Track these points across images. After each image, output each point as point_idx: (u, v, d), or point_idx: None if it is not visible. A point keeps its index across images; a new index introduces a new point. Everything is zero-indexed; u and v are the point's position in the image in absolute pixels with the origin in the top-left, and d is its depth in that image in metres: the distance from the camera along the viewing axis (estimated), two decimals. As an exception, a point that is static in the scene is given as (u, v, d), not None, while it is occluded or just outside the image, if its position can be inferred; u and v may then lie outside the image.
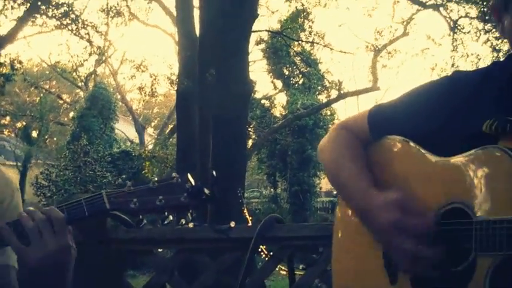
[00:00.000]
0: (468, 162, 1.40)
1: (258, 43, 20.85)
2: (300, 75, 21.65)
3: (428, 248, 1.39)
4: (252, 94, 19.13)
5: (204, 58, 9.48)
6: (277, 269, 3.31)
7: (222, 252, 2.75)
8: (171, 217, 1.42)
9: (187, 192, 1.39)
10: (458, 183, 1.42)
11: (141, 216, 1.43)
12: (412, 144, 1.57)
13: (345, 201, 1.69)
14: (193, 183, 1.40)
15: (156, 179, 1.44)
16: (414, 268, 1.44)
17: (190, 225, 2.43)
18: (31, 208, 1.41)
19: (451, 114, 1.53)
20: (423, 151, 1.54)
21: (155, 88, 17.39)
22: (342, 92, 20.08)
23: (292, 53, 20.46)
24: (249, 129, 19.39)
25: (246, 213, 8.53)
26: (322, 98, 21.96)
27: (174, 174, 1.42)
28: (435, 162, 1.50)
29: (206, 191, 1.41)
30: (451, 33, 17.61)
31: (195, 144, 10.54)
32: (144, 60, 22.15)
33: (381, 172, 1.63)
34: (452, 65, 17.67)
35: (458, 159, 1.43)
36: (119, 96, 28.01)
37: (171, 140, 22.72)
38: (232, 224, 2.67)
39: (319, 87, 22.05)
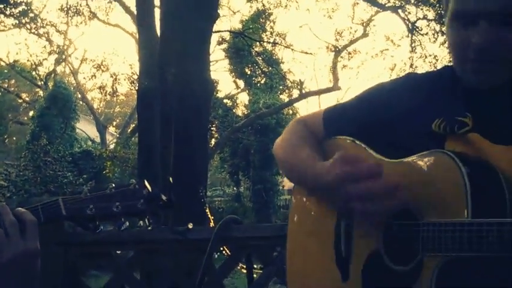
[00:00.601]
0: (415, 165, 1.42)
1: (219, 43, 20.88)
2: (262, 75, 21.72)
3: (377, 201, 1.37)
4: (214, 93, 19.13)
5: (164, 58, 9.42)
6: (238, 267, 3.36)
7: (180, 254, 2.78)
8: (127, 223, 1.44)
9: (144, 198, 1.41)
10: (406, 185, 1.42)
11: (97, 222, 1.43)
12: (362, 145, 1.59)
13: (298, 184, 1.69)
14: (150, 189, 1.42)
15: (113, 185, 1.45)
16: (359, 215, 1.43)
17: (149, 228, 2.45)
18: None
19: (402, 114, 1.55)
20: (371, 152, 1.56)
21: (116, 88, 17.24)
22: (303, 91, 20.24)
23: (254, 53, 20.52)
24: (212, 128, 19.39)
25: (208, 213, 8.54)
26: (284, 97, 22.08)
27: (131, 181, 1.44)
28: (385, 163, 1.49)
29: (163, 197, 1.43)
30: (410, 35, 17.91)
31: (156, 143, 10.49)
32: (104, 60, 21.91)
33: None
34: (411, 66, 17.97)
35: (406, 161, 1.45)
36: (79, 96, 27.66)
37: (133, 139, 22.55)
38: (190, 226, 2.69)
39: (281, 87, 22.15)
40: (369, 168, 1.40)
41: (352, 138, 1.63)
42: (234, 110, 21.97)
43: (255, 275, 2.91)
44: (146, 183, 1.43)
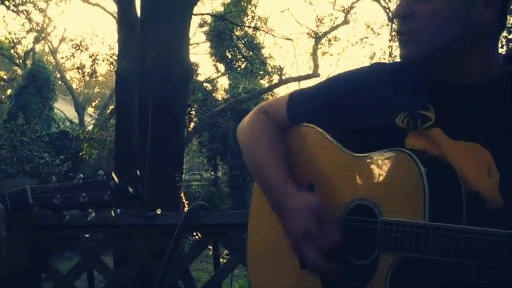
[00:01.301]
0: (377, 162, 1.45)
1: (201, 25, 20.74)
2: (243, 60, 21.64)
3: (333, 262, 1.45)
4: (194, 77, 19.05)
5: (144, 40, 9.36)
6: (210, 252, 3.41)
7: (149, 239, 2.82)
8: (93, 214, 1.49)
9: (111, 190, 1.46)
10: (367, 182, 1.47)
11: (64, 212, 1.48)
12: (325, 134, 1.61)
13: (262, 190, 1.69)
14: (117, 181, 1.47)
15: (81, 175, 1.50)
16: (319, 275, 1.50)
17: (113, 212, 2.47)
18: None
19: (367, 105, 1.56)
20: (335, 143, 1.57)
21: (94, 69, 17.05)
22: (283, 77, 20.21)
23: (234, 37, 20.44)
24: (191, 112, 19.32)
25: (183, 197, 8.56)
26: (264, 82, 22.01)
27: (99, 172, 1.49)
28: (346, 156, 1.53)
29: (130, 189, 1.48)
30: (390, 24, 17.98)
31: (134, 126, 10.44)
32: (83, 40, 21.61)
33: (296, 160, 1.66)
34: (390, 54, 18.04)
35: (367, 157, 1.47)
36: (58, 75, 27.35)
37: (111, 121, 22.37)
38: (159, 211, 2.74)
39: (261, 72, 22.09)
40: (328, 244, 1.45)
41: (315, 126, 1.64)
42: (213, 94, 21.88)
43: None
44: (114, 175, 1.48)
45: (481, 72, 1.44)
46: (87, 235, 2.95)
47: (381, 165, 1.45)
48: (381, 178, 1.44)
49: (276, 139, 1.70)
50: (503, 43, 14.12)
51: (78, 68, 17.96)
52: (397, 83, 1.53)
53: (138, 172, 1.64)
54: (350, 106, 1.59)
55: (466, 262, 1.25)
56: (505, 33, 14.24)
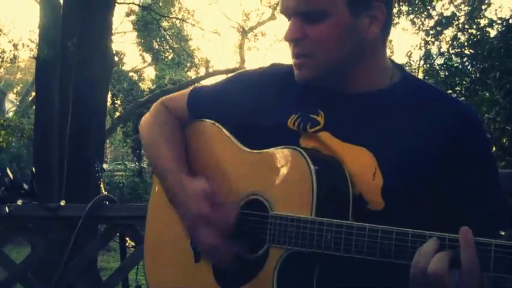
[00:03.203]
0: (271, 158, 1.47)
1: (128, 15, 20.44)
2: (170, 51, 21.49)
3: (228, 243, 1.47)
4: (120, 66, 18.78)
5: (66, 27, 9.17)
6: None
7: (51, 231, 2.76)
8: None
9: (6, 186, 1.43)
10: (260, 177, 1.50)
11: None
12: (223, 130, 1.63)
13: (159, 180, 1.71)
14: (12, 178, 1.45)
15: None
16: (213, 259, 1.53)
17: (19, 202, 2.41)
18: None
19: (263, 106, 1.59)
20: (232, 139, 1.60)
21: (14, 55, 16.46)
22: (210, 70, 20.23)
23: (162, 28, 20.25)
24: (116, 101, 19.03)
25: (102, 187, 8.43)
26: (191, 74, 21.99)
27: None
28: (242, 152, 1.56)
29: (25, 186, 1.46)
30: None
31: (54, 113, 10.20)
32: (2, 26, 20.79)
33: (194, 154, 1.68)
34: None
35: (263, 153, 1.50)
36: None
37: (33, 108, 21.72)
38: (63, 203, 2.68)
39: (188, 64, 22.02)
40: (224, 225, 1.49)
41: (214, 122, 1.66)
42: (139, 84, 21.63)
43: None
44: (9, 171, 1.46)
45: (370, 81, 1.50)
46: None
47: (274, 162, 1.48)
48: (274, 174, 1.47)
49: (174, 132, 1.72)
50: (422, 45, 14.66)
51: (-5, 53, 17.24)
52: (291, 86, 1.56)
53: (33, 169, 1.63)
54: (247, 105, 1.62)
55: (349, 256, 1.30)
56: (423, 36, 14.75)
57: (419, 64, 15.23)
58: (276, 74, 1.63)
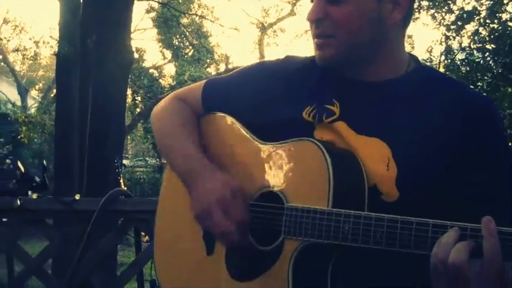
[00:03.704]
0: (286, 150, 1.46)
1: (148, 11, 20.55)
2: (190, 47, 21.54)
3: (245, 227, 1.46)
4: (140, 63, 18.87)
5: (86, 23, 9.22)
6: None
7: (66, 224, 2.78)
8: None
9: (17, 179, 1.44)
10: (275, 169, 1.48)
11: None
12: (237, 124, 1.62)
13: (171, 164, 1.67)
14: (23, 170, 1.46)
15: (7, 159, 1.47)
16: (229, 243, 1.49)
17: (34, 196, 2.44)
18: None
19: (277, 97, 1.58)
20: (247, 131, 1.59)
21: (36, 52, 16.64)
22: (230, 66, 20.21)
23: (181, 25, 20.30)
24: (136, 98, 19.13)
25: (122, 183, 8.47)
26: (211, 70, 22.02)
27: (6, 161, 1.47)
28: (256, 144, 1.55)
29: (37, 179, 1.46)
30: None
31: (75, 110, 10.28)
32: (24, 23, 21.01)
33: (208, 147, 1.65)
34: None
35: (276, 146, 1.50)
36: (0, 56, 26.63)
37: (55, 104, 21.86)
38: (78, 197, 2.71)
39: (208, 60, 22.05)
40: (240, 216, 1.46)
41: (228, 115, 1.65)
42: (159, 81, 21.72)
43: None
44: (19, 164, 1.46)
45: (387, 70, 1.49)
46: (5, 219, 2.88)
47: (289, 154, 1.47)
48: (289, 166, 1.46)
49: (189, 120, 1.70)
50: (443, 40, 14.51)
51: (18, 50, 17.36)
52: (306, 77, 1.56)
53: (44, 162, 1.64)
54: (261, 96, 1.61)
55: (367, 247, 1.29)
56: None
57: (440, 59, 15.05)
58: (291, 66, 1.62)
